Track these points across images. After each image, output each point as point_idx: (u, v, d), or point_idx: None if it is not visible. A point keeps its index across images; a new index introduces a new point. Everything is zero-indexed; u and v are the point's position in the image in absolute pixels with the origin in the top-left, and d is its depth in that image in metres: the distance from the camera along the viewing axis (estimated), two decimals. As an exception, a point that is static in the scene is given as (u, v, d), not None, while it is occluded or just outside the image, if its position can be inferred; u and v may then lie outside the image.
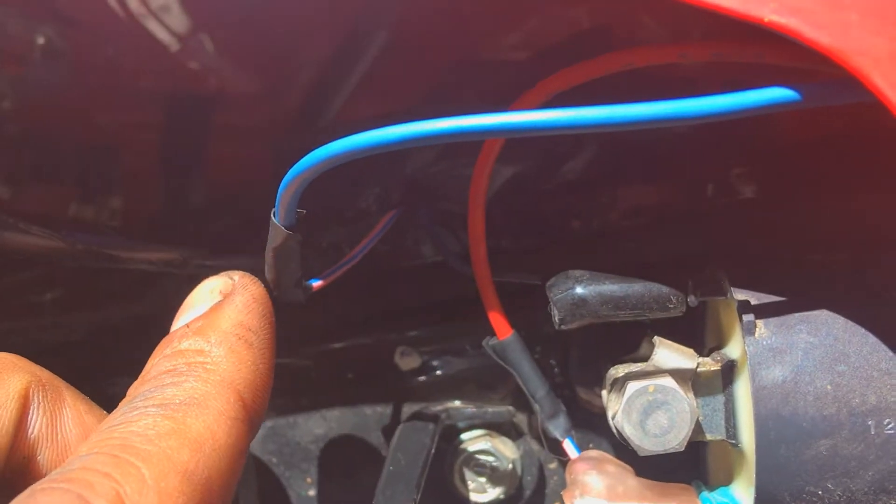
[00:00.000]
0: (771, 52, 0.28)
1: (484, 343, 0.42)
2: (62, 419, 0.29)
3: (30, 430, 0.29)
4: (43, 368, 0.30)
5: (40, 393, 0.29)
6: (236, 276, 0.32)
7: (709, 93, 0.26)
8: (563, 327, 0.37)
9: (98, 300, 0.50)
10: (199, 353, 0.28)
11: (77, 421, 0.30)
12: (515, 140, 0.41)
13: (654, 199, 0.49)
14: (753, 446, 0.34)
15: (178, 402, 0.26)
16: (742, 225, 0.47)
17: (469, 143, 0.44)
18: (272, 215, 0.33)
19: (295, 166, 0.30)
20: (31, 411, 0.29)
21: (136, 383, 0.28)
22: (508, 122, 0.27)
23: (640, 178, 0.49)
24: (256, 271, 0.43)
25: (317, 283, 0.38)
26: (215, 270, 0.43)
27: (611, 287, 0.36)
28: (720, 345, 0.38)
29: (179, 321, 0.31)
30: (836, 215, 0.43)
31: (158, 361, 0.29)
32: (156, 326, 0.50)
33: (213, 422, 0.26)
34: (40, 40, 0.40)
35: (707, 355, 0.37)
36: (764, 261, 0.38)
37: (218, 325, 0.30)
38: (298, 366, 0.48)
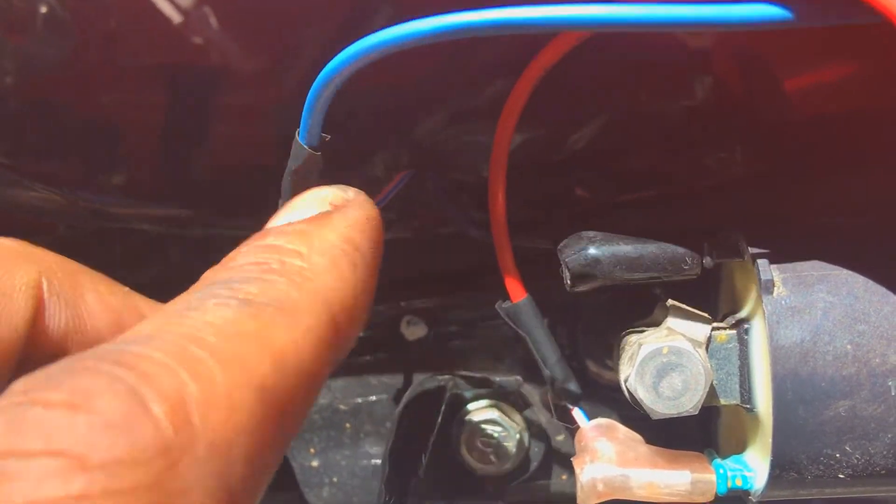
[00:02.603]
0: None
1: (497, 306, 0.42)
2: (86, 306, 0.26)
3: (51, 325, 0.25)
4: (49, 251, 0.27)
5: (56, 281, 0.25)
6: (351, 191, 0.29)
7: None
8: (575, 289, 0.37)
9: (100, 268, 0.49)
10: (298, 256, 0.24)
11: (103, 306, 0.26)
12: (528, 105, 0.40)
13: (663, 172, 0.49)
14: (769, 410, 0.33)
15: (264, 301, 0.22)
16: (757, 197, 0.47)
17: (480, 108, 0.44)
18: (296, 134, 0.32)
19: (324, 70, 0.29)
20: (47, 304, 0.25)
21: (214, 268, 0.24)
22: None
23: (650, 150, 0.48)
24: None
25: None
26: (222, 232, 0.43)
27: (624, 248, 0.36)
28: (735, 310, 0.37)
29: (276, 221, 0.27)
30: (855, 187, 0.43)
31: (248, 251, 0.24)
32: (160, 296, 0.50)
33: (301, 338, 0.22)
34: (43, 9, 0.39)
35: (722, 321, 0.37)
36: (782, 223, 0.37)
37: (324, 234, 0.25)
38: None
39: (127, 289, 0.28)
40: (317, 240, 0.25)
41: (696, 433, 0.45)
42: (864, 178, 0.43)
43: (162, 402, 0.17)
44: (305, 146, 0.32)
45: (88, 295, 0.26)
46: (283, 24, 0.40)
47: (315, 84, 0.30)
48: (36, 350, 0.25)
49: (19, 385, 0.18)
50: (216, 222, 0.41)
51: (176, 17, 0.39)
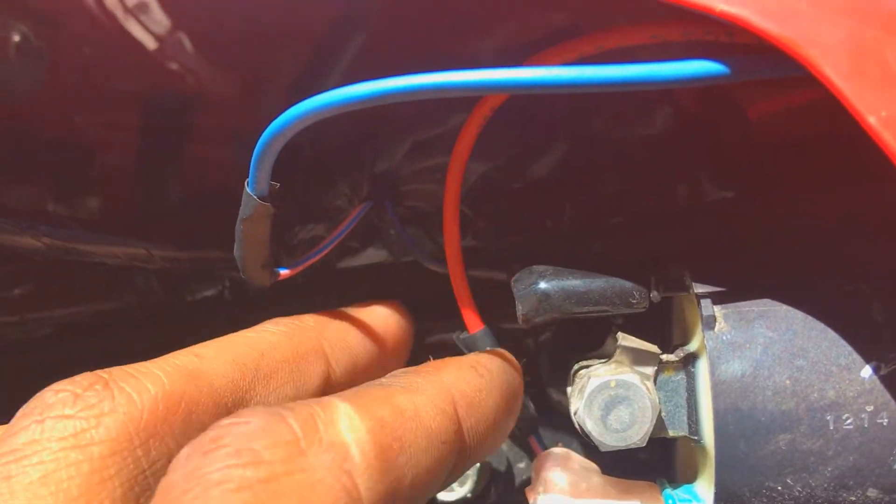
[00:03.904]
0: (738, 32, 0.28)
1: (455, 337, 0.42)
2: (352, 343, 0.36)
3: (336, 368, 0.34)
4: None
5: (332, 341, 0.34)
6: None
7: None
8: (527, 323, 0.37)
9: (68, 296, 0.49)
10: (432, 366, 0.32)
11: (359, 339, 0.37)
12: (487, 135, 0.41)
13: (627, 200, 0.49)
14: (713, 443, 0.33)
15: (391, 383, 0.29)
16: (714, 225, 0.47)
17: (440, 140, 0.45)
18: (245, 185, 0.33)
19: (272, 125, 0.30)
20: (331, 358, 0.34)
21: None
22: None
23: (612, 178, 0.49)
24: (222, 264, 0.43)
25: (284, 272, 0.38)
26: (183, 264, 0.43)
27: (574, 282, 0.36)
28: (685, 342, 0.38)
29: None
30: (808, 212, 0.43)
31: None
32: (126, 324, 0.50)
33: (421, 402, 0.28)
34: (15, 38, 0.40)
35: (672, 352, 0.37)
36: (728, 258, 0.38)
37: (454, 362, 0.34)
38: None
39: (366, 310, 0.40)
40: (450, 360, 0.33)
41: (657, 461, 0.46)
42: (814, 202, 0.44)
43: (296, 419, 0.24)
44: (255, 196, 0.33)
45: (352, 338, 0.37)
46: (257, 48, 0.40)
47: (263, 136, 0.31)
48: (331, 390, 0.34)
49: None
50: (175, 255, 0.41)
51: (151, 44, 0.40)
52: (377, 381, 0.30)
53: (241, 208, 0.34)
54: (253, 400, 0.30)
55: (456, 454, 0.29)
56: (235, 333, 0.32)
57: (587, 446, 0.43)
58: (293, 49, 0.40)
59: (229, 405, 0.29)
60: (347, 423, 0.24)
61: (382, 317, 0.39)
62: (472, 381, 0.31)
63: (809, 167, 0.45)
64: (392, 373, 0.31)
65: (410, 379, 0.30)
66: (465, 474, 0.46)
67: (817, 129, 0.44)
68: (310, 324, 0.35)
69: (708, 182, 0.48)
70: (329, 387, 0.33)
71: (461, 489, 0.46)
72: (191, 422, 0.27)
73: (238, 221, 0.34)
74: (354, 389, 0.28)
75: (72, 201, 0.48)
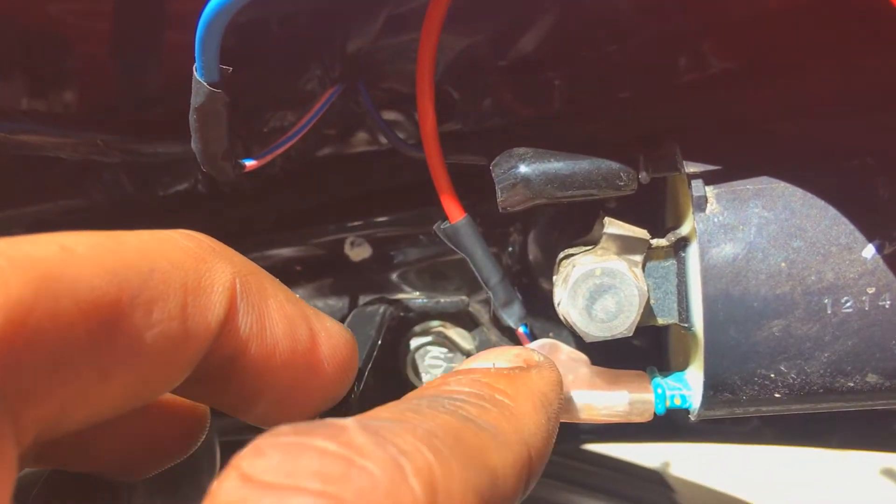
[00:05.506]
0: None
1: (435, 227, 0.40)
2: (268, 312, 0.26)
3: (238, 327, 0.25)
4: (239, 254, 0.27)
5: (246, 284, 0.26)
6: (540, 355, 0.31)
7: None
8: (507, 210, 0.35)
9: (34, 194, 0.48)
10: (506, 396, 0.27)
11: (281, 314, 0.27)
12: (466, 4, 0.37)
13: (623, 75, 0.46)
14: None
15: (482, 424, 0.24)
16: (716, 101, 0.44)
17: (417, 14, 0.41)
18: (194, 70, 0.31)
19: (210, 2, 0.28)
20: (238, 306, 0.25)
21: (423, 387, 0.27)
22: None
23: (605, 51, 0.45)
24: (187, 158, 0.41)
25: (250, 163, 0.36)
26: (145, 157, 0.41)
27: (556, 165, 0.34)
28: (677, 225, 0.36)
29: (478, 363, 0.30)
30: (812, 83, 0.40)
31: (460, 379, 0.27)
32: (96, 221, 0.48)
33: (508, 466, 0.24)
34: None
35: (664, 236, 0.35)
36: (724, 134, 0.35)
37: (528, 384, 0.28)
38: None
39: (300, 300, 0.28)
40: (522, 387, 0.27)
41: (650, 349, 0.44)
42: (819, 72, 0.40)
43: (418, 476, 0.20)
44: (204, 82, 0.30)
45: (271, 301, 0.27)
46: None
47: (203, 15, 0.28)
48: (220, 349, 0.25)
49: (287, 428, 0.20)
50: (135, 147, 0.39)
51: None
52: (461, 411, 0.25)
53: (192, 96, 0.31)
54: (122, 330, 0.22)
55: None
56: (128, 232, 0.24)
57: (579, 337, 0.41)
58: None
59: (90, 332, 0.21)
60: (461, 492, 0.21)
61: (321, 317, 0.30)
62: (543, 431, 0.27)
63: (815, 36, 0.41)
64: (461, 386, 0.26)
65: (496, 420, 0.25)
66: (454, 367, 0.45)
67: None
68: (230, 256, 0.26)
69: (712, 52, 0.45)
70: (227, 331, 0.26)
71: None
72: (37, 349, 0.20)
73: (190, 111, 0.32)
74: (449, 424, 0.23)
75: (48, 96, 0.46)
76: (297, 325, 0.27)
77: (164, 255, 0.24)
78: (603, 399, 0.35)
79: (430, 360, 0.45)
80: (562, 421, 0.36)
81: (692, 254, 0.33)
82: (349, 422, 0.21)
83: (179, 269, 0.24)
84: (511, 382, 0.28)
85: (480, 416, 0.25)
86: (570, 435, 0.55)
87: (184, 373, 0.25)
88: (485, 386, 0.27)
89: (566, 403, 0.36)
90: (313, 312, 0.28)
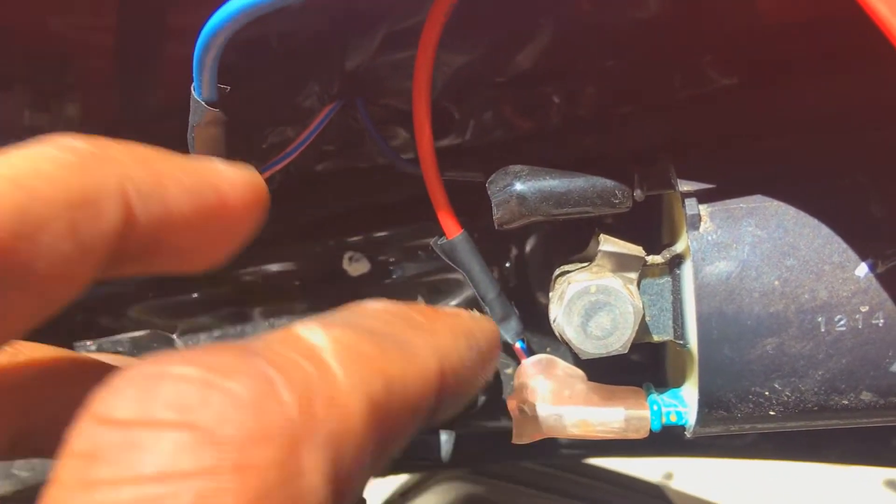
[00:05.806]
0: None
1: (432, 243, 0.40)
2: (170, 196, 0.24)
3: (140, 223, 0.24)
4: (123, 145, 0.25)
5: (139, 179, 0.23)
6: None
7: None
8: (503, 227, 0.35)
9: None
10: (424, 317, 0.26)
11: (184, 191, 0.25)
12: (464, 21, 0.38)
13: (620, 91, 0.46)
14: (700, 347, 0.32)
15: (386, 335, 0.23)
16: (710, 116, 0.44)
17: (415, 31, 0.42)
18: (192, 89, 0.31)
19: (209, 22, 0.28)
20: (135, 204, 0.23)
21: (338, 308, 0.25)
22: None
23: (603, 67, 0.46)
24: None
25: None
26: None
27: (552, 182, 0.34)
28: (672, 242, 0.36)
29: None
30: (808, 100, 0.40)
31: (378, 303, 0.26)
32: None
33: (412, 375, 0.23)
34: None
35: (659, 253, 0.35)
36: (718, 151, 0.35)
37: (451, 317, 0.27)
38: (244, 274, 0.46)
39: (196, 160, 0.26)
40: (445, 317, 0.26)
41: (647, 364, 0.44)
42: (815, 89, 0.40)
43: (291, 390, 0.18)
44: (202, 101, 0.30)
45: (170, 185, 0.25)
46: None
47: (201, 34, 0.28)
48: (128, 245, 0.24)
49: (146, 360, 0.19)
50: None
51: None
52: (364, 325, 0.24)
53: (191, 115, 0.32)
54: (10, 268, 0.21)
55: (423, 422, 0.25)
56: None
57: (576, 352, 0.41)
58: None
59: None
60: (344, 402, 0.20)
61: (219, 170, 0.28)
62: (462, 353, 0.26)
63: (812, 52, 0.42)
64: (373, 307, 0.25)
65: (406, 335, 0.24)
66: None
67: (821, 10, 0.40)
68: (112, 154, 0.24)
69: (711, 68, 0.45)
70: (125, 246, 0.24)
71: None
72: None
73: (188, 130, 0.32)
74: (343, 335, 0.22)
75: (51, 111, 0.46)
76: (204, 193, 0.26)
77: (41, 176, 0.22)
78: (599, 415, 0.36)
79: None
80: (559, 437, 0.37)
81: (687, 272, 0.33)
82: (216, 345, 0.20)
83: (60, 187, 0.22)
84: (433, 311, 0.27)
85: (386, 329, 0.24)
86: (569, 449, 0.55)
87: (87, 279, 0.24)
88: (402, 309, 0.25)
89: (559, 419, 0.36)
90: (212, 167, 0.27)
